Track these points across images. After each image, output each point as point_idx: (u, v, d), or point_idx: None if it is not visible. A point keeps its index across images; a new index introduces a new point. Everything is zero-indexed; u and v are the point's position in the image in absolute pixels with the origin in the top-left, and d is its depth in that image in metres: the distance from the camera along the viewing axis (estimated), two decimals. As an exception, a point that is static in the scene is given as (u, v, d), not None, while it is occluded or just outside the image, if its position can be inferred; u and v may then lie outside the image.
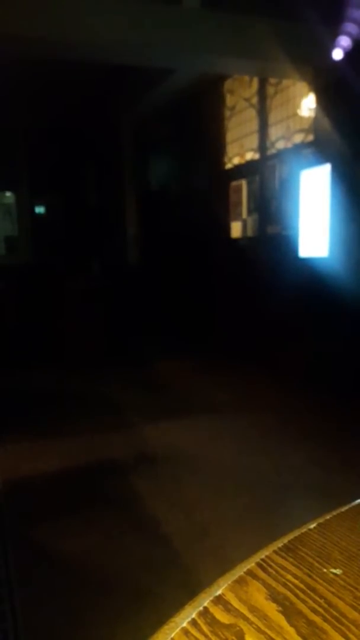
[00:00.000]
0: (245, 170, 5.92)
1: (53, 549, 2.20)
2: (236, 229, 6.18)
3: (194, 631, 0.50)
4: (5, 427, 3.70)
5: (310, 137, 4.80)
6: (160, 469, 3.01)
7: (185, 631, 0.50)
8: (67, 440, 3.48)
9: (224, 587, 0.56)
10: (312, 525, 0.67)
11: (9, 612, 1.78)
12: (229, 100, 6.07)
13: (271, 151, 5.43)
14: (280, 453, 3.14)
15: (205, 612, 0.52)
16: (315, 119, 4.67)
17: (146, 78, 6.01)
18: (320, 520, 0.68)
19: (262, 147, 5.52)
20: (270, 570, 0.59)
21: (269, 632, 0.49)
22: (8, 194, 9.53)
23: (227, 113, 6.11)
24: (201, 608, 0.53)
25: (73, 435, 3.55)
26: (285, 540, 0.65)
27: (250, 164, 5.80)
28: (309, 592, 0.55)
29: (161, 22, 3.98)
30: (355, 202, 4.21)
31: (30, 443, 3.42)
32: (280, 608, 0.52)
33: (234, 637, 0.49)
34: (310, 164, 4.67)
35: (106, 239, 8.77)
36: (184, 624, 0.51)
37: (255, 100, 5.59)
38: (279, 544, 0.64)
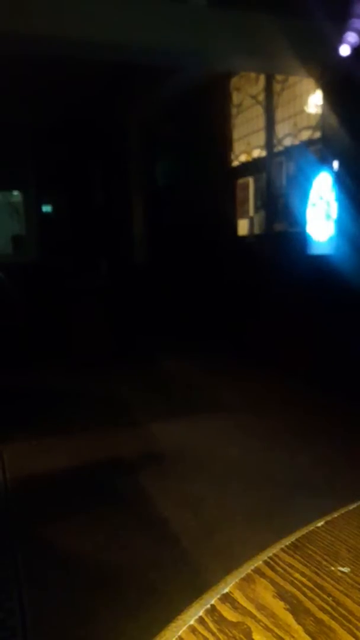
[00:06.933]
0: (252, 167, 5.90)
1: (60, 547, 2.21)
2: (243, 227, 6.17)
3: (201, 629, 0.50)
4: (13, 425, 3.71)
5: (318, 134, 4.78)
6: (168, 467, 3.01)
7: (192, 629, 0.50)
8: (74, 438, 3.48)
9: (231, 585, 0.56)
10: (320, 523, 0.67)
11: (17, 609, 1.79)
12: (236, 97, 6.05)
13: (278, 148, 5.41)
14: (287, 451, 3.13)
15: (212, 610, 0.52)
16: (322, 116, 4.65)
17: (153, 76, 6.01)
18: (328, 518, 0.68)
19: (269, 145, 5.50)
20: (277, 568, 0.59)
21: (276, 630, 0.49)
22: (15, 193, 9.56)
23: (234, 110, 6.09)
24: (208, 606, 0.53)
25: (80, 433, 3.56)
26: (292, 538, 0.64)
27: (257, 161, 5.78)
28: (316, 590, 0.55)
29: (168, 20, 3.97)
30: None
31: (37, 441, 3.43)
32: (287, 606, 0.52)
33: (241, 635, 0.49)
34: (318, 161, 4.65)
35: (113, 238, 8.77)
36: (192, 622, 0.51)
37: (262, 97, 5.57)
38: (287, 542, 0.64)
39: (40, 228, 9.33)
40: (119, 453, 3.24)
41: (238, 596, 0.54)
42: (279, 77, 5.26)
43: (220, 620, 0.51)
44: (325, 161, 4.51)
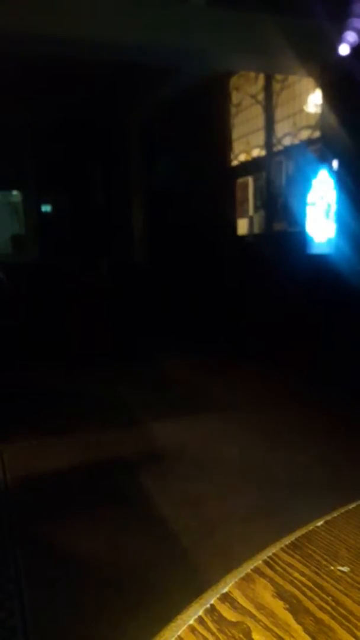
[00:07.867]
0: (251, 167, 5.90)
1: (61, 546, 2.21)
2: (243, 226, 6.17)
3: (200, 628, 0.50)
4: (13, 425, 3.71)
5: (317, 134, 4.78)
6: (168, 467, 3.01)
7: (192, 628, 0.50)
8: (75, 437, 3.49)
9: (230, 585, 0.56)
10: (320, 523, 0.67)
11: (18, 609, 1.79)
12: (235, 97, 6.05)
13: (277, 148, 5.41)
14: (288, 451, 3.13)
15: (212, 610, 0.52)
16: (322, 115, 4.65)
17: (152, 76, 6.00)
18: (328, 517, 0.68)
19: (268, 144, 5.50)
20: (277, 567, 0.59)
21: (276, 629, 0.49)
22: (15, 192, 9.56)
23: (233, 110, 6.09)
24: (208, 605, 0.53)
25: (80, 433, 3.56)
26: (292, 537, 0.65)
27: (256, 160, 5.78)
28: (316, 589, 0.55)
29: (168, 20, 3.97)
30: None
31: (37, 440, 3.43)
32: (287, 606, 0.52)
33: (240, 635, 0.49)
34: (317, 160, 4.65)
35: (113, 237, 8.77)
36: (191, 622, 0.51)
37: (261, 96, 5.57)
38: (286, 541, 0.64)
39: (40, 228, 9.33)
40: (119, 452, 3.24)
41: (237, 596, 0.54)
42: (278, 77, 5.26)
43: (219, 619, 0.51)
44: (324, 160, 4.51)
